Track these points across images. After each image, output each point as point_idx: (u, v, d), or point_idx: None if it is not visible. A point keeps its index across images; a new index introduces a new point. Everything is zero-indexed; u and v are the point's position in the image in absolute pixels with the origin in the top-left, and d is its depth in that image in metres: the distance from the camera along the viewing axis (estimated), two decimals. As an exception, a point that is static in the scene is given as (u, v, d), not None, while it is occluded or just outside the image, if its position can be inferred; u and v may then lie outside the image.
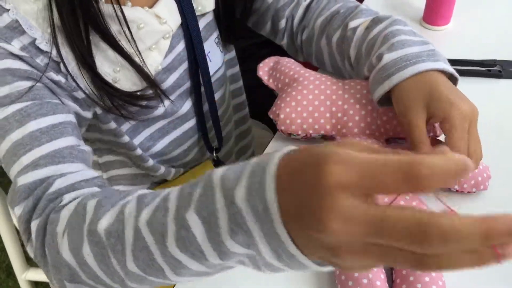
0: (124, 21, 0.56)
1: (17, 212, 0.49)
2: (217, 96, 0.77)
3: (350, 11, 0.68)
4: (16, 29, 0.52)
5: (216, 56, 0.74)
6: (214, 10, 0.70)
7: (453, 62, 0.80)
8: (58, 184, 0.48)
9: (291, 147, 0.32)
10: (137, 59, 0.59)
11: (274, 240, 0.31)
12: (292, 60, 0.70)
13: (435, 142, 0.58)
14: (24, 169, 0.50)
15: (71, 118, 0.55)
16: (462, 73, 0.79)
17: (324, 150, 0.29)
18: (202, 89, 0.73)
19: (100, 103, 0.59)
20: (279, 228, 0.30)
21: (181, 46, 0.67)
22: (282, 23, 0.76)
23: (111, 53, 0.57)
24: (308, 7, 0.74)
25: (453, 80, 0.57)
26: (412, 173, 0.26)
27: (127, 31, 0.57)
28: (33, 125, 0.51)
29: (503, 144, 0.68)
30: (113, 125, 0.64)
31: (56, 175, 0.49)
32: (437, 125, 0.58)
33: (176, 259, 0.37)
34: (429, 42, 0.59)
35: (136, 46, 0.58)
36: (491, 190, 0.60)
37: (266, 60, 0.71)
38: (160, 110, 0.67)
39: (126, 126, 0.67)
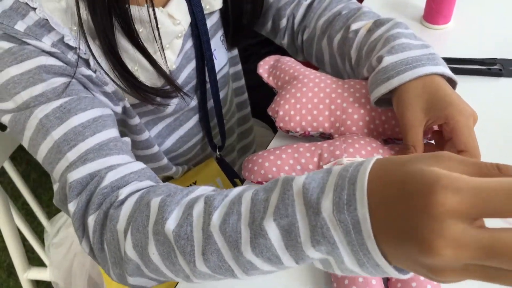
0: (155, 23, 0.57)
1: (71, 208, 0.48)
2: (221, 94, 0.77)
3: (352, 13, 0.68)
4: (44, 26, 0.52)
5: (221, 54, 0.74)
6: (220, 9, 0.71)
7: (453, 60, 0.80)
8: (110, 177, 0.48)
9: (376, 157, 0.33)
10: (159, 59, 0.59)
11: (362, 251, 0.32)
12: (293, 59, 0.70)
13: (428, 146, 0.58)
14: (72, 164, 0.49)
15: (108, 111, 0.55)
16: (463, 71, 0.79)
17: (430, 173, 0.29)
18: (208, 86, 0.73)
19: (130, 93, 0.59)
20: (370, 243, 0.31)
21: (189, 44, 0.68)
22: (283, 22, 0.76)
23: (131, 52, 0.58)
24: (309, 6, 0.74)
25: (452, 84, 0.57)
26: None
27: (156, 32, 0.57)
28: (75, 121, 0.51)
29: (504, 143, 0.68)
30: (137, 119, 0.64)
31: (105, 167, 0.49)
32: (435, 127, 0.58)
33: (250, 262, 0.38)
34: (430, 46, 0.59)
35: (162, 45, 0.59)
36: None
37: (267, 59, 0.71)
38: (172, 106, 0.67)
39: (140, 122, 0.67)
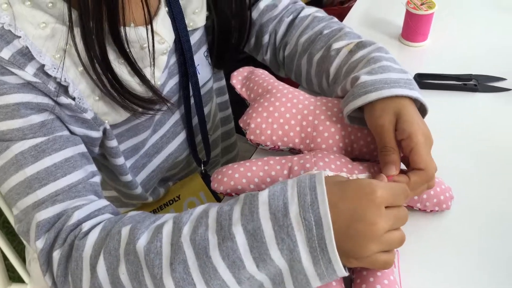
0: (152, 43, 0.59)
1: (39, 245, 0.51)
2: (205, 109, 0.78)
3: (334, 33, 0.70)
4: (26, 55, 0.52)
5: (204, 69, 0.75)
6: (207, 26, 0.72)
7: (430, 76, 0.83)
8: (76, 216, 0.52)
9: (325, 172, 0.52)
10: (147, 75, 0.60)
11: (319, 247, 0.44)
12: (267, 72, 0.71)
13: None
14: (42, 203, 0.52)
15: (81, 148, 0.57)
16: (440, 87, 0.81)
17: (367, 180, 0.48)
18: (192, 101, 0.74)
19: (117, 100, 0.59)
20: (328, 235, 0.43)
21: (172, 59, 0.69)
22: (266, 38, 0.77)
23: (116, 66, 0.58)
24: (291, 23, 0.75)
25: (424, 111, 0.60)
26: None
27: (147, 50, 0.59)
28: (48, 161, 0.53)
29: (479, 156, 0.70)
30: (114, 142, 0.65)
31: (73, 207, 0.53)
32: None
33: (215, 269, 0.44)
34: (407, 72, 0.61)
35: (154, 62, 0.60)
36: (458, 208, 0.63)
37: (240, 69, 0.71)
38: (156, 116, 0.68)
39: (123, 146, 0.68)
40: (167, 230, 0.47)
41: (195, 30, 0.71)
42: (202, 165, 0.83)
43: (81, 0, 0.51)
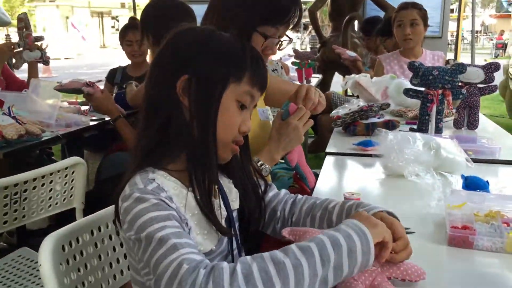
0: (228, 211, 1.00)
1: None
2: None
3: (324, 201, 1.06)
4: (160, 189, 0.87)
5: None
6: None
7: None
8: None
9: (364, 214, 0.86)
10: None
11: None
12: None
13: None
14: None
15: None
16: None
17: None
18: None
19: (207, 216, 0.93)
20: (368, 234, 0.79)
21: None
22: (277, 214, 1.09)
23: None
24: (293, 202, 1.10)
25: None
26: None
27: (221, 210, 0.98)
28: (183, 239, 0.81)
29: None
30: None
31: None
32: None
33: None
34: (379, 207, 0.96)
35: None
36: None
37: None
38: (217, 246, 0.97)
39: None
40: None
41: (233, 210, 1.02)
42: None
43: (193, 176, 0.90)
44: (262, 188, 1.08)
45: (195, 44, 0.93)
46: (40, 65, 2.95)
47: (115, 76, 3.12)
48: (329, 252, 0.74)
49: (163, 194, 0.85)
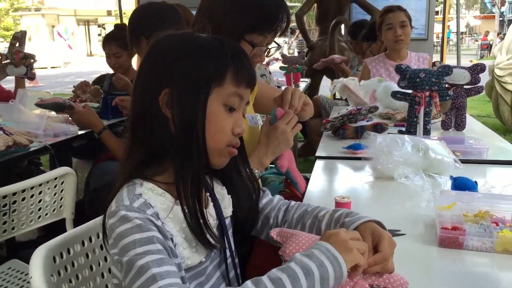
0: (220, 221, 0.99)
1: None
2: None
3: (314, 208, 1.06)
4: (147, 205, 0.86)
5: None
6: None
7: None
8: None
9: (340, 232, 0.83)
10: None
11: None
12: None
13: None
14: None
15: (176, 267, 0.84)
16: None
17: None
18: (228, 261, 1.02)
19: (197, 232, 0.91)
20: (341, 261, 0.78)
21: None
22: (270, 221, 1.08)
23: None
24: (286, 209, 1.09)
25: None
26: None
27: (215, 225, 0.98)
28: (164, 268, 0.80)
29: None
30: (183, 273, 0.89)
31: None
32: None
33: None
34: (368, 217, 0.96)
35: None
36: None
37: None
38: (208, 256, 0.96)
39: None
40: None
41: (226, 218, 1.01)
42: None
43: (180, 189, 0.88)
44: (257, 193, 1.07)
45: (172, 54, 0.91)
46: (27, 76, 2.94)
47: (104, 83, 3.10)
48: (302, 282, 0.74)
49: (149, 211, 0.85)
